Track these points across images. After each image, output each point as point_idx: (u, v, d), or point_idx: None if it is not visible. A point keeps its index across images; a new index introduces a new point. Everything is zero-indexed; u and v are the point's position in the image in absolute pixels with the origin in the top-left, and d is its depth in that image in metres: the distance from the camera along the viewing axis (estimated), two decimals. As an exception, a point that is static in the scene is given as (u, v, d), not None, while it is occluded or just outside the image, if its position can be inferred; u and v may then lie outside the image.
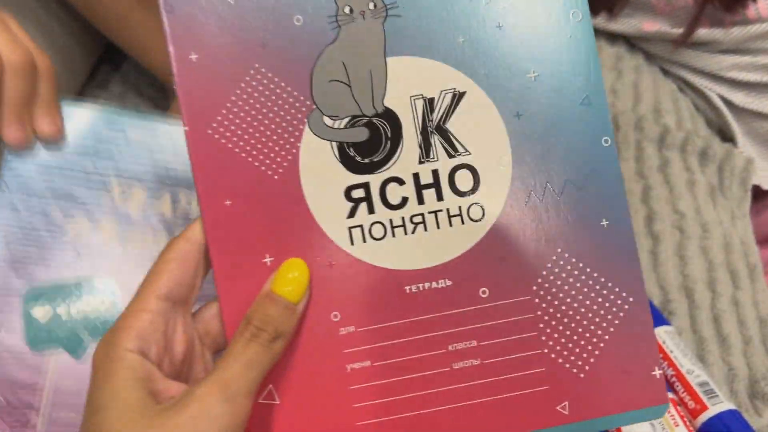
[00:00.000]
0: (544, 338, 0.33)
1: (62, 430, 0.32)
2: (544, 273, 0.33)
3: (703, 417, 0.50)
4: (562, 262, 0.33)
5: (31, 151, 0.40)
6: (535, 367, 0.32)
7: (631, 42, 0.88)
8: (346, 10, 0.32)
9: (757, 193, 0.81)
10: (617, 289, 0.33)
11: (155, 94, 0.90)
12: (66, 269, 0.36)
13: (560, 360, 0.33)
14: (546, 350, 0.32)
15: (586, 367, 0.33)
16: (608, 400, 0.33)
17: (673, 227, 0.66)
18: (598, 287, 0.33)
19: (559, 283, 0.33)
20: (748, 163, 0.74)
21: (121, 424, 0.27)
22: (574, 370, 0.33)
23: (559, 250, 0.33)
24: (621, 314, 0.33)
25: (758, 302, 0.62)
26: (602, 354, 0.33)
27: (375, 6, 0.31)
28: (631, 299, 0.33)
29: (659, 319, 0.55)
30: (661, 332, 0.54)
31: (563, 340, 0.33)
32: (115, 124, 0.42)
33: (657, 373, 0.33)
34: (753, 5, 0.75)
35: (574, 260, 0.33)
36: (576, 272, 0.33)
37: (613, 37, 0.88)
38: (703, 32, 0.79)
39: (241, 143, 0.32)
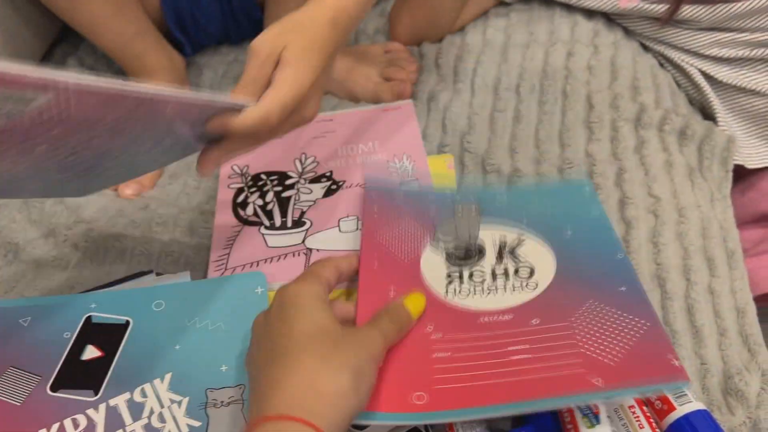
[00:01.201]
0: (581, 344, 0.45)
1: None
2: (581, 311, 0.48)
3: (671, 418, 0.47)
4: (594, 305, 0.48)
5: None
6: (573, 358, 0.44)
7: (610, 17, 0.84)
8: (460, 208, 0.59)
9: (741, 172, 0.78)
10: (636, 319, 0.47)
11: (113, 75, 0.85)
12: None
13: (594, 354, 0.44)
14: (582, 350, 0.45)
15: (616, 359, 0.44)
16: (634, 377, 0.43)
17: (647, 212, 0.62)
18: (621, 318, 0.47)
19: (591, 316, 0.47)
20: (730, 141, 0.71)
21: (329, 325, 0.41)
22: (606, 360, 0.44)
23: (591, 300, 0.49)
24: (641, 331, 0.46)
25: (736, 290, 0.59)
26: (628, 354, 0.44)
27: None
28: (648, 324, 0.46)
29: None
30: (628, 327, 0.51)
31: (596, 345, 0.45)
32: None
33: (676, 362, 0.43)
34: None
35: (603, 305, 0.48)
36: (604, 311, 0.48)
37: (590, 12, 0.84)
38: (686, 9, 0.75)
39: (390, 241, 0.56)
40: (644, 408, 0.47)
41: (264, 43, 0.48)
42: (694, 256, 0.60)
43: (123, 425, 0.45)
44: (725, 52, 0.76)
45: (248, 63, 0.48)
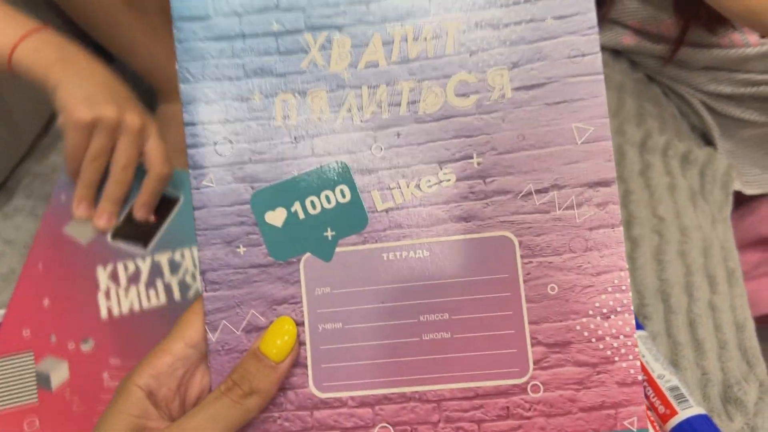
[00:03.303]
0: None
1: (328, 337, 0.32)
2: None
3: (673, 422, 0.50)
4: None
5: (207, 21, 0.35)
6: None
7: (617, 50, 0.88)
8: None
9: (741, 198, 0.82)
10: None
11: (142, 96, 0.90)
12: (286, 160, 0.33)
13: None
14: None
15: None
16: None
17: (652, 231, 0.66)
18: None
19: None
20: (730, 167, 0.75)
21: None
22: None
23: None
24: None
25: (735, 307, 0.62)
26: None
27: None
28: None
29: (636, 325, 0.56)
30: (633, 337, 0.54)
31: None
32: None
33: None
34: (728, 36, 0.76)
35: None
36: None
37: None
38: (685, 51, 0.80)
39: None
40: (648, 412, 0.50)
41: None
42: (696, 273, 0.63)
43: (162, 276, 0.55)
44: (722, 89, 0.81)
45: None
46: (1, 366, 0.48)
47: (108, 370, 0.49)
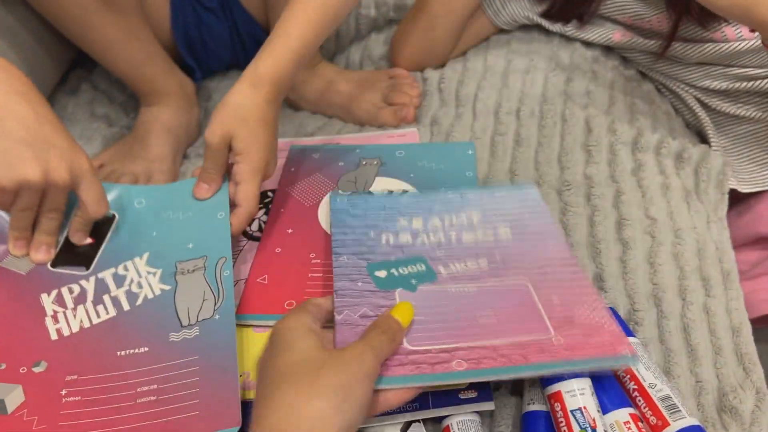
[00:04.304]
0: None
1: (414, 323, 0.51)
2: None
3: (665, 433, 0.48)
4: None
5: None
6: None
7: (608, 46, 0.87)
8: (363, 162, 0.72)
9: (738, 196, 0.80)
10: None
11: (126, 100, 0.88)
12: (389, 254, 0.58)
13: None
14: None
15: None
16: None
17: (644, 233, 0.64)
18: None
19: None
20: (725, 165, 0.72)
21: (313, 352, 0.43)
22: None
23: None
24: None
25: (731, 310, 0.60)
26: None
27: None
28: None
29: (623, 330, 0.54)
30: (623, 344, 0.52)
31: None
32: None
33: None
34: (721, 30, 0.74)
35: None
36: None
37: (590, 42, 0.86)
38: (676, 47, 0.78)
39: (298, 190, 0.69)
40: (639, 424, 0.48)
41: (213, 135, 0.57)
42: (689, 276, 0.61)
43: (108, 291, 0.56)
44: (716, 84, 0.79)
45: (205, 153, 0.59)
46: None
47: (65, 386, 0.49)
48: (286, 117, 0.85)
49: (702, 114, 0.81)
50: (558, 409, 0.47)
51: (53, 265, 0.57)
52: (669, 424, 0.48)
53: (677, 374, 0.54)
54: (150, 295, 0.55)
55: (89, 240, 0.58)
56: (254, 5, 0.85)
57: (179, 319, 0.53)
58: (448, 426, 0.49)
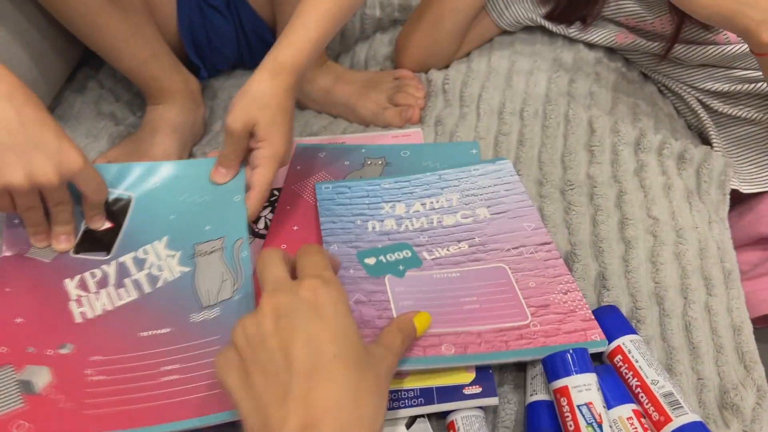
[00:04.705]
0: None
1: (405, 309, 0.54)
2: None
3: (667, 429, 0.48)
4: None
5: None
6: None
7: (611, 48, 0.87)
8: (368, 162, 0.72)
9: (739, 197, 0.80)
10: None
11: (131, 98, 0.89)
12: (376, 242, 0.61)
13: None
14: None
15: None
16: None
17: (646, 232, 0.65)
18: None
19: None
20: (727, 165, 0.73)
21: (354, 336, 0.40)
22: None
23: None
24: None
25: (732, 309, 0.61)
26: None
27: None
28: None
29: (625, 327, 0.54)
30: (626, 341, 0.53)
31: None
32: None
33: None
34: (723, 33, 0.76)
35: None
36: None
37: (593, 44, 0.87)
38: (679, 48, 0.79)
39: (303, 188, 0.70)
40: (642, 420, 0.48)
41: (236, 122, 0.59)
42: (691, 275, 0.62)
43: (129, 275, 0.57)
44: (719, 86, 0.79)
45: (226, 139, 0.60)
46: None
47: (90, 366, 0.50)
48: (291, 116, 0.86)
49: (704, 115, 0.82)
50: (564, 403, 0.47)
51: (75, 251, 0.59)
52: (671, 420, 0.48)
53: (679, 371, 0.55)
54: (170, 278, 0.57)
55: (108, 224, 0.60)
56: (260, 3, 0.85)
57: (199, 300, 0.55)
58: (452, 421, 0.50)
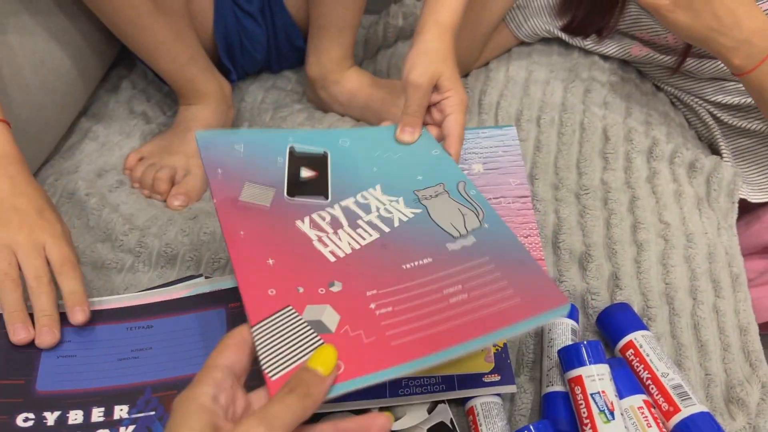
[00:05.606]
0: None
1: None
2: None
3: (676, 419, 0.51)
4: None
5: None
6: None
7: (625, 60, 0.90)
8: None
9: (747, 206, 0.83)
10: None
11: (162, 98, 0.93)
12: None
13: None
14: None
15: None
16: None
17: (658, 236, 0.68)
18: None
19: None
20: (736, 175, 0.76)
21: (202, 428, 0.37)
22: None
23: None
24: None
25: (739, 311, 0.64)
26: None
27: None
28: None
29: (637, 323, 0.57)
30: (638, 336, 0.56)
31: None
32: None
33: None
34: None
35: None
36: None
37: (608, 56, 0.90)
38: (691, 62, 0.82)
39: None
40: (652, 410, 0.51)
41: (423, 76, 0.62)
42: (700, 278, 0.65)
43: (360, 217, 0.56)
44: (729, 99, 0.82)
45: (412, 94, 0.63)
46: (270, 327, 0.45)
47: (371, 301, 0.48)
48: (315, 119, 0.89)
49: (714, 127, 0.85)
50: (578, 392, 0.50)
51: (290, 194, 0.56)
52: (680, 410, 0.51)
53: (687, 367, 0.58)
54: (404, 218, 0.56)
55: (312, 173, 0.58)
56: (296, 6, 0.89)
57: (448, 232, 0.54)
58: (472, 407, 0.53)
